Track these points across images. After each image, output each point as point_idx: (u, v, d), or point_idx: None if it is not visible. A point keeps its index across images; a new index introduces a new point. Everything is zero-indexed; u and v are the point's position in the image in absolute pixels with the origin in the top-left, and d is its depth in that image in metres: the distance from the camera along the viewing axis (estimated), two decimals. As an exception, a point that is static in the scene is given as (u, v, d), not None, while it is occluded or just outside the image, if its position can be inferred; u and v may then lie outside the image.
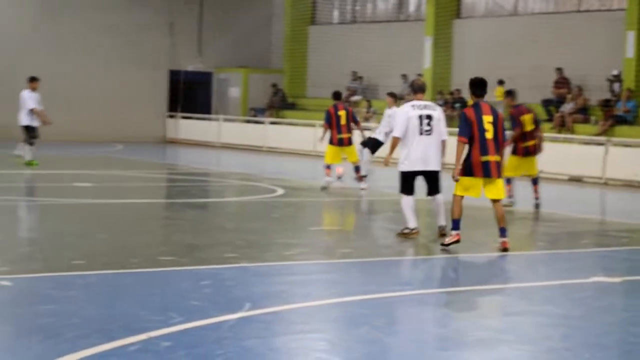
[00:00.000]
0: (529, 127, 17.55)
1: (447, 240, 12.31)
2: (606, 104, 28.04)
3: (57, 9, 35.79)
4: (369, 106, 34.30)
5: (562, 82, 29.55)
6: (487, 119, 12.14)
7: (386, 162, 13.71)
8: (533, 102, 29.53)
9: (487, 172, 12.12)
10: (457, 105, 31.28)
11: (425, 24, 34.18)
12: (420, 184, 13.36)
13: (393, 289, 9.69)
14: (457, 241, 12.24)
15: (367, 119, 33.72)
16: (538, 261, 12.49)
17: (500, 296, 9.73)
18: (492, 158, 12.12)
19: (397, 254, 12.24)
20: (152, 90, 38.20)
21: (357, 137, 20.55)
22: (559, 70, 29.68)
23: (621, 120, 27.55)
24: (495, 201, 12.37)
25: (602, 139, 25.89)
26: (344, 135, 19.80)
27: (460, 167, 12.17)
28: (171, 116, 38.87)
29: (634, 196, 22.33)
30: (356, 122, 20.20)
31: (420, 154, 13.05)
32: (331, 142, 19.88)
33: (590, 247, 14.00)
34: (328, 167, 19.99)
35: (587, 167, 25.12)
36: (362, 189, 19.62)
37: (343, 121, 19.78)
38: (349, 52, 37.16)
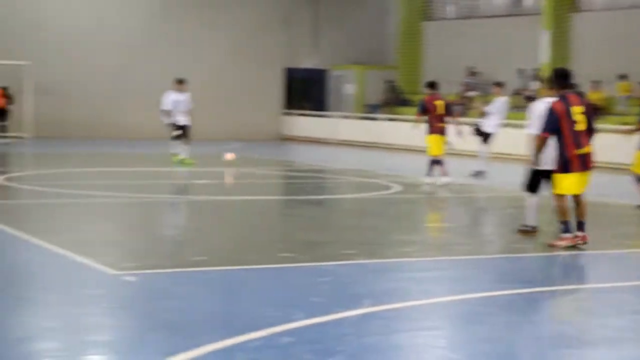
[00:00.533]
0: None
1: (561, 243, 11.89)
2: None
3: (172, 8, 36.35)
4: (485, 102, 33.98)
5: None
6: (577, 110, 11.69)
7: (535, 163, 12.24)
8: (654, 95, 28.96)
9: (584, 165, 11.66)
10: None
11: (542, 17, 33.71)
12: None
13: (512, 286, 9.59)
14: (574, 245, 11.80)
15: (483, 115, 33.45)
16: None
17: (622, 294, 9.54)
18: (586, 150, 11.66)
19: (516, 251, 12.09)
20: (268, 87, 38.50)
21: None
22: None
23: None
24: (579, 195, 11.87)
25: None
26: (442, 125, 19.77)
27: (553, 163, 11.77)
28: (287, 113, 39.14)
29: None
30: (451, 114, 20.16)
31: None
32: (432, 132, 19.80)
33: None
34: (438, 162, 19.82)
35: None
36: (428, 183, 19.77)
37: (441, 110, 19.76)
38: (464, 48, 36.88)
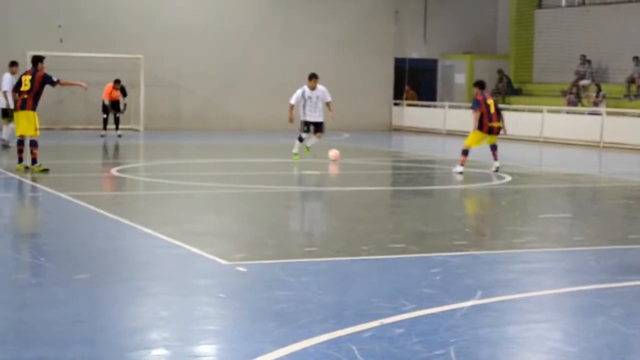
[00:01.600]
0: None
1: None
2: None
3: (282, 1, 36.55)
4: (599, 90, 33.40)
5: None
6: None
7: None
8: None
9: None
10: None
11: (658, 4, 32.97)
12: None
13: (629, 278, 9.38)
14: None
15: (596, 104, 32.88)
16: None
17: None
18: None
19: (632, 242, 11.82)
20: (378, 78, 38.44)
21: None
22: None
23: None
24: None
25: None
26: (495, 124, 19.90)
27: None
28: (397, 104, 39.03)
29: None
30: (499, 113, 20.06)
31: None
32: (481, 129, 19.89)
33: None
34: (466, 152, 19.73)
35: None
36: (460, 172, 19.62)
37: (492, 109, 19.85)
38: (577, 36, 36.28)
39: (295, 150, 22.19)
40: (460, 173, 19.60)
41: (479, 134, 20.02)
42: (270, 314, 7.68)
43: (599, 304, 8.25)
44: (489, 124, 19.88)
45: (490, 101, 20.11)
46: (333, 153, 22.00)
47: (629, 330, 7.36)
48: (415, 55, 39.45)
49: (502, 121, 20.21)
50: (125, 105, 30.36)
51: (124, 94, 30.20)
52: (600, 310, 8.00)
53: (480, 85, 20.26)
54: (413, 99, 39.08)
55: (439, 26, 39.48)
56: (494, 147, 20.29)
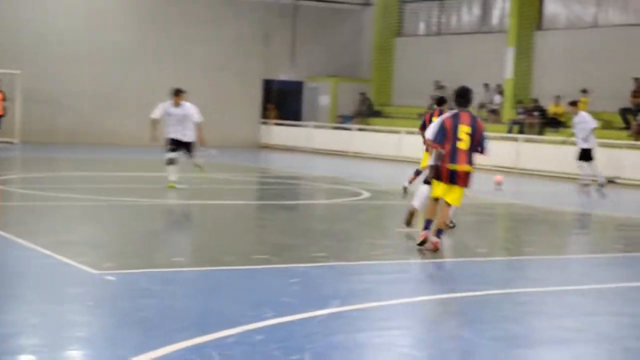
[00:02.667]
0: None
1: (418, 239, 11.99)
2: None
3: (159, 21, 36.36)
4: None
5: (639, 90, 29.02)
6: (464, 129, 11.71)
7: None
8: (612, 111, 29.16)
9: (453, 179, 11.77)
10: (536, 113, 31.02)
11: (507, 35, 33.88)
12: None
13: (473, 288, 9.61)
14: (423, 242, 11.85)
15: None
16: (618, 264, 12.27)
17: (579, 297, 9.59)
18: (460, 168, 11.73)
19: (477, 255, 12.11)
20: (247, 97, 38.52)
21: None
22: (637, 79, 29.17)
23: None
24: (448, 205, 11.97)
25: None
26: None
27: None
28: (264, 123, 39.14)
29: None
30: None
31: None
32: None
33: (667, 250, 13.71)
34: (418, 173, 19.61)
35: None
36: None
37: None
38: (433, 62, 37.03)
39: (171, 178, 18.82)
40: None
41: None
42: (136, 321, 7.62)
43: (444, 312, 8.44)
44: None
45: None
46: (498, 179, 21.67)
47: (469, 337, 7.55)
48: (283, 77, 39.63)
49: None
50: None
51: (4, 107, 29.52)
52: (445, 318, 8.18)
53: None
54: (275, 118, 39.26)
55: (307, 50, 39.75)
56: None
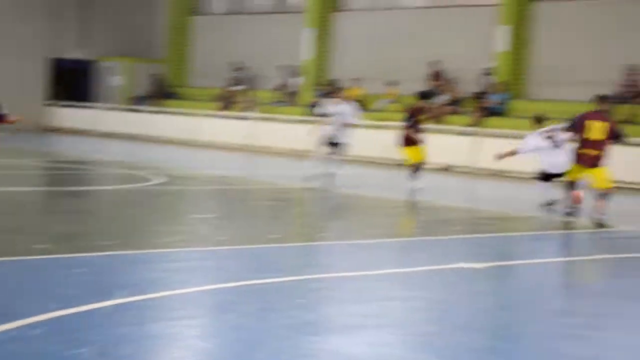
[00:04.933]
0: None
1: None
2: (478, 96, 28.63)
3: None
4: (249, 96, 34.35)
5: (436, 74, 30.02)
6: None
7: None
8: (410, 94, 30.00)
9: None
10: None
11: (305, 15, 34.32)
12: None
13: (266, 275, 9.74)
14: None
15: (247, 109, 33.78)
16: (411, 248, 12.70)
17: (371, 282, 9.88)
18: None
19: (271, 242, 12.29)
20: (30, 78, 37.50)
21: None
22: (434, 63, 30.15)
23: (492, 112, 28.17)
24: None
25: (473, 129, 26.39)
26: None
27: None
28: (51, 104, 38.24)
29: (502, 185, 22.89)
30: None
31: None
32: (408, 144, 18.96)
33: (459, 234, 14.29)
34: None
35: (459, 157, 25.60)
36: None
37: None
38: (231, 43, 37.11)
39: None
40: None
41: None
42: None
43: (235, 301, 8.53)
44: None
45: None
46: None
47: (260, 325, 7.67)
48: (73, 55, 38.81)
49: None
50: None
51: None
52: (237, 306, 8.27)
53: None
54: (64, 99, 38.43)
55: (99, 29, 39.08)
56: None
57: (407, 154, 18.88)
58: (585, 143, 15.01)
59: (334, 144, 20.31)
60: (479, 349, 7.27)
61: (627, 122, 22.78)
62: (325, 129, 20.45)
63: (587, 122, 14.98)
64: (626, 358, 7.21)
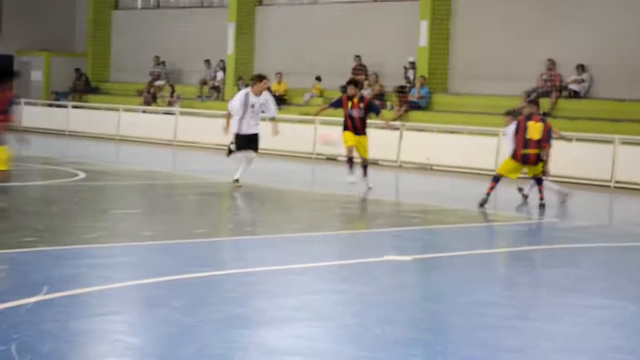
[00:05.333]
0: None
1: None
2: (401, 91, 28.76)
3: None
4: (172, 91, 34.11)
5: (360, 68, 30.08)
6: None
7: None
8: (333, 88, 30.03)
9: None
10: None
11: (228, 10, 34.17)
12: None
13: (193, 270, 9.66)
14: None
15: (170, 104, 33.53)
16: (334, 241, 12.69)
17: (298, 275, 9.84)
18: None
19: (197, 236, 12.19)
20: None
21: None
22: (358, 57, 30.22)
23: (415, 106, 28.32)
24: None
25: (396, 124, 26.50)
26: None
27: None
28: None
29: (425, 178, 23.02)
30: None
31: None
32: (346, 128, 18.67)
33: (385, 227, 14.33)
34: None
35: (383, 151, 25.66)
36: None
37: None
38: (153, 38, 36.82)
39: None
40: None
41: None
42: None
43: (162, 296, 8.42)
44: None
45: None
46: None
47: (188, 320, 7.58)
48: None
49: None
50: None
51: None
52: (163, 301, 8.17)
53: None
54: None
55: (17, 22, 38.48)
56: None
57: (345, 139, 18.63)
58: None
59: (251, 138, 19.72)
60: (404, 341, 7.26)
61: (547, 115, 23.04)
62: (240, 123, 20.00)
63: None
64: (554, 347, 7.26)
